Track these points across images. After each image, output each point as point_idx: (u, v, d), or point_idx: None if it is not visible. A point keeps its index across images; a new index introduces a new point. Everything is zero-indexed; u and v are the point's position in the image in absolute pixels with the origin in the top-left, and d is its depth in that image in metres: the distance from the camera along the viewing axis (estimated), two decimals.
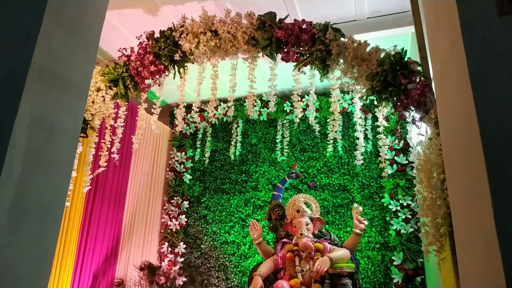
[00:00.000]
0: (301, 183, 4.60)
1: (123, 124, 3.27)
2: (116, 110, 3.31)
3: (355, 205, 3.29)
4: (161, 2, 3.39)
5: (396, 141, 4.21)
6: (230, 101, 3.00)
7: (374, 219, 4.19)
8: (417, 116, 2.32)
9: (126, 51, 3.19)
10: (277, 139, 4.81)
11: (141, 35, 3.10)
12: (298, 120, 2.87)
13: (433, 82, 1.79)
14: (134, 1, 3.39)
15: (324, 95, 4.58)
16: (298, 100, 2.87)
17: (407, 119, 2.38)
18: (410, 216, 3.95)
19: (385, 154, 2.62)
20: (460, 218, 1.38)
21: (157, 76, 3.20)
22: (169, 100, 5.30)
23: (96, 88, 3.21)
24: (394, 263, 3.89)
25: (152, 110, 3.20)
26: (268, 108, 4.79)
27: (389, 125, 4.29)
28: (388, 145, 4.26)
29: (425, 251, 2.07)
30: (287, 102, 4.71)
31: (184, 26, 3.01)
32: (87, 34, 2.05)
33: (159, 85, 3.22)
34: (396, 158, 4.15)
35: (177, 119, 3.13)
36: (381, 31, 3.34)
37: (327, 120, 4.65)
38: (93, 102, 3.22)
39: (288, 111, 4.71)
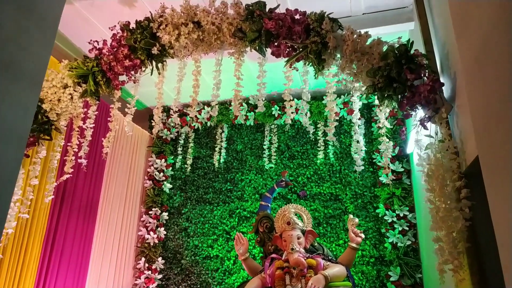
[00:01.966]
0: (290, 192, 4.30)
1: (93, 125, 2.91)
2: (85, 109, 2.95)
3: (351, 216, 3.01)
4: None
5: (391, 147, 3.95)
6: (214, 100, 2.69)
7: (368, 231, 3.91)
8: (425, 116, 2.06)
9: (98, 44, 2.85)
10: (265, 145, 4.50)
11: (115, 26, 2.77)
12: (290, 122, 2.57)
13: (462, 68, 1.51)
14: None
15: (314, 98, 4.31)
16: (290, 100, 2.58)
17: (412, 120, 2.12)
18: (407, 228, 3.68)
19: (387, 159, 2.34)
20: (508, 230, 1.09)
21: (132, 72, 2.87)
22: (149, 103, 4.95)
23: (62, 85, 2.86)
24: (391, 279, 3.60)
25: (126, 110, 2.85)
26: (255, 113, 4.53)
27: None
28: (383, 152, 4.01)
29: (440, 271, 1.79)
30: (275, 106, 4.43)
31: (163, 16, 2.70)
32: (43, 14, 1.71)
33: (134, 82, 2.89)
34: (391, 165, 3.90)
35: (154, 120, 2.79)
36: (377, 27, 3.10)
37: (318, 125, 4.39)
38: (59, 100, 2.86)
39: (276, 115, 4.43)
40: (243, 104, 4.53)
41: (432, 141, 2.01)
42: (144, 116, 4.99)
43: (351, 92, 2.43)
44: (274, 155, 4.45)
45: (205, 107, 4.70)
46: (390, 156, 2.31)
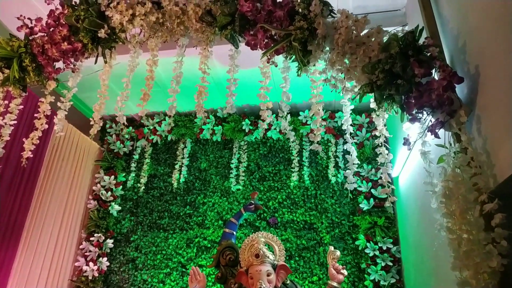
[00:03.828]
0: (259, 218, 3.75)
1: (15, 122, 2.28)
2: (6, 102, 2.33)
3: (331, 248, 2.50)
4: None
5: (373, 170, 3.56)
6: (172, 96, 2.17)
7: (347, 266, 3.40)
8: (436, 120, 1.63)
9: (30, 22, 2.29)
10: (232, 164, 3.96)
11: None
12: (265, 126, 2.08)
13: None
14: None
15: (289, 114, 3.87)
16: (266, 101, 2.10)
17: (420, 123, 1.69)
18: (391, 264, 3.21)
19: (386, 175, 1.88)
20: None
21: (72, 59, 2.31)
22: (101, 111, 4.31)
23: None
24: None
25: (59, 104, 2.27)
26: (223, 127, 4.01)
27: (363, 152, 3.66)
28: (364, 176, 3.59)
29: None
30: (246, 120, 3.95)
31: None
32: None
33: (73, 72, 2.33)
34: (373, 191, 3.49)
35: (93, 119, 2.23)
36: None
37: (291, 144, 3.93)
38: None
39: (247, 130, 3.93)
40: (210, 116, 4.02)
41: (447, 152, 1.57)
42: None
43: (342, 93, 1.98)
44: (243, 176, 3.91)
45: (166, 117, 4.14)
46: (390, 172, 1.85)
